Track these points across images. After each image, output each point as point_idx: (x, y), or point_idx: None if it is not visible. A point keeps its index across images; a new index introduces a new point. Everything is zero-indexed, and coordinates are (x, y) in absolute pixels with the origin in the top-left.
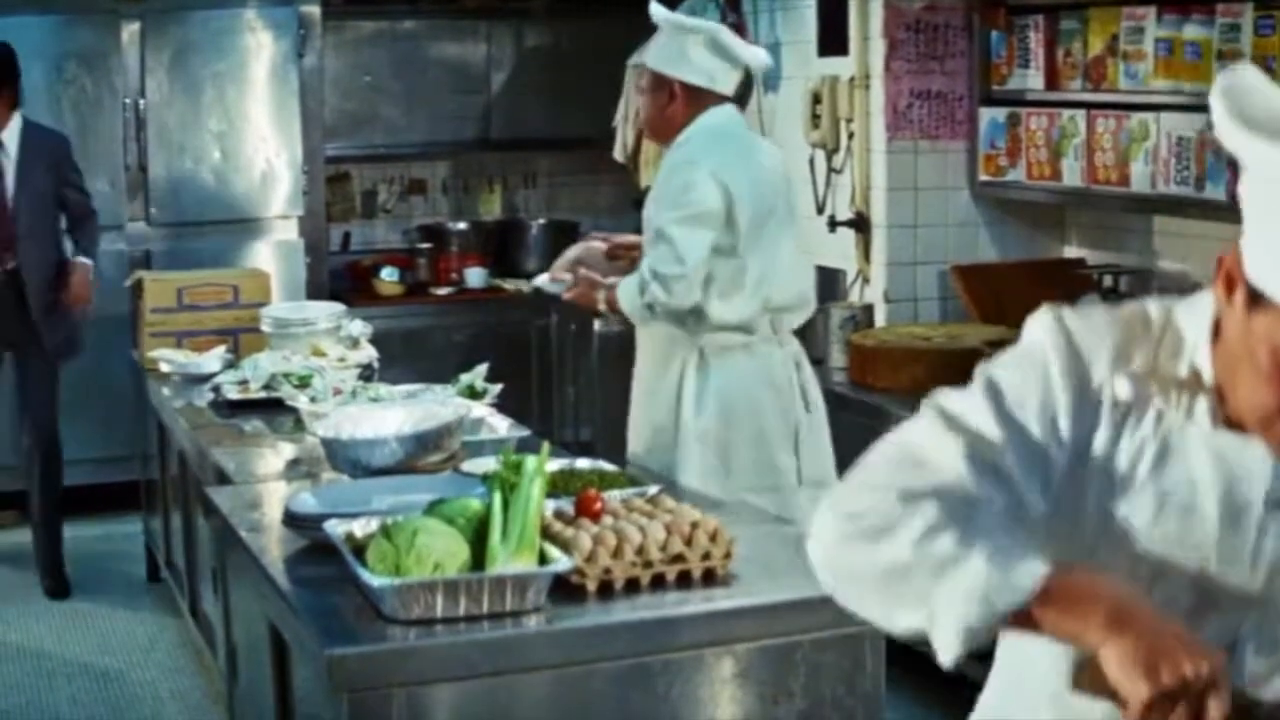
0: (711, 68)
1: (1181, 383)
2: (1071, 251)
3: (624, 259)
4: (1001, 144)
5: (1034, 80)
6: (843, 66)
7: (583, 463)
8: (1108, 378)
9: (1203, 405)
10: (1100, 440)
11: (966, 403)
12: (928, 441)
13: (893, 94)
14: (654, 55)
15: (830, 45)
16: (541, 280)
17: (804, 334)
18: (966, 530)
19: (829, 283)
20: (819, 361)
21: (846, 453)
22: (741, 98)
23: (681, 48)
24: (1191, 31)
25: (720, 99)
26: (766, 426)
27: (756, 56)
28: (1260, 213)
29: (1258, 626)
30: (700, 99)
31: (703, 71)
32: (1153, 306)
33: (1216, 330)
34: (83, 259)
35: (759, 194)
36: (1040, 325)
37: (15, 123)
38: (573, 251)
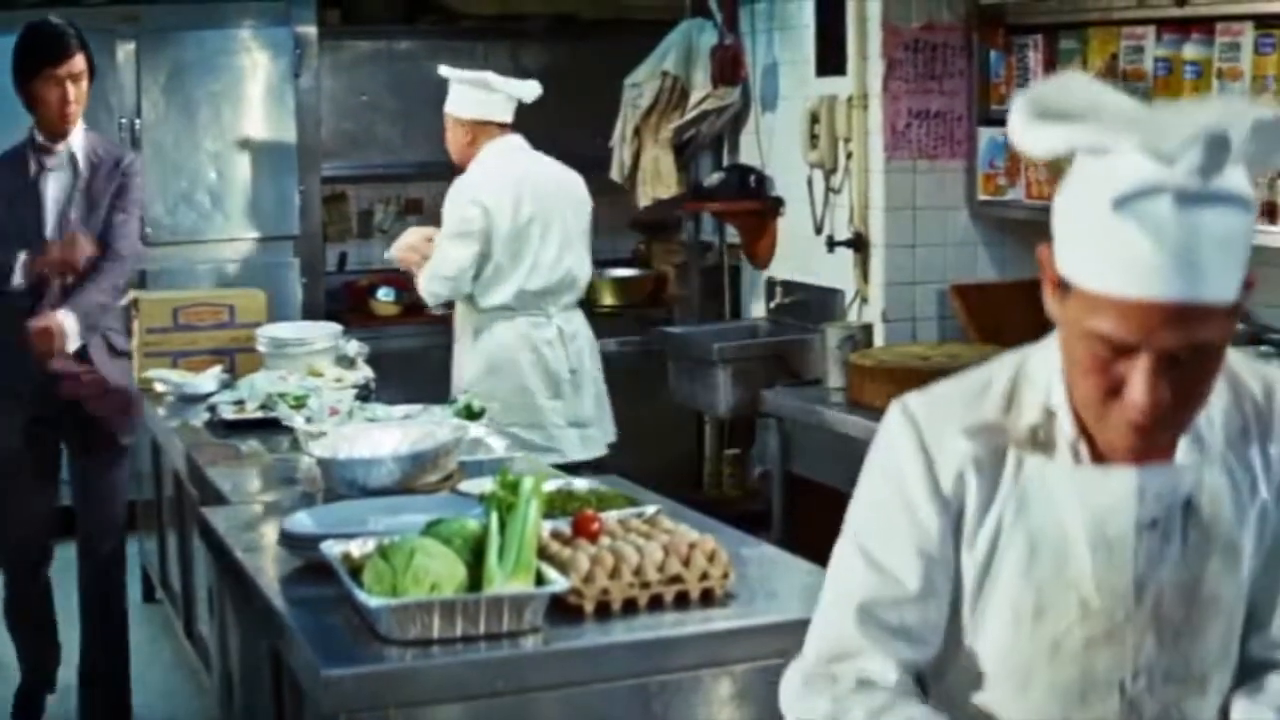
0: (488, 103)
1: (1035, 426)
2: None
3: None
4: (1000, 163)
5: None
6: (841, 86)
7: (580, 483)
8: (959, 451)
9: (1063, 443)
10: (970, 509)
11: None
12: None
13: (891, 114)
14: (447, 103)
15: (828, 65)
16: (389, 254)
17: (801, 354)
18: None
19: (827, 302)
20: (816, 381)
21: (847, 472)
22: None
23: (461, 93)
24: (1191, 51)
25: (502, 128)
26: (526, 380)
27: (525, 89)
28: (1059, 202)
29: (1152, 659)
30: (485, 130)
31: (481, 107)
32: (997, 365)
33: None
34: (64, 311)
35: (518, 209)
36: (891, 423)
37: (80, 131)
38: (411, 235)
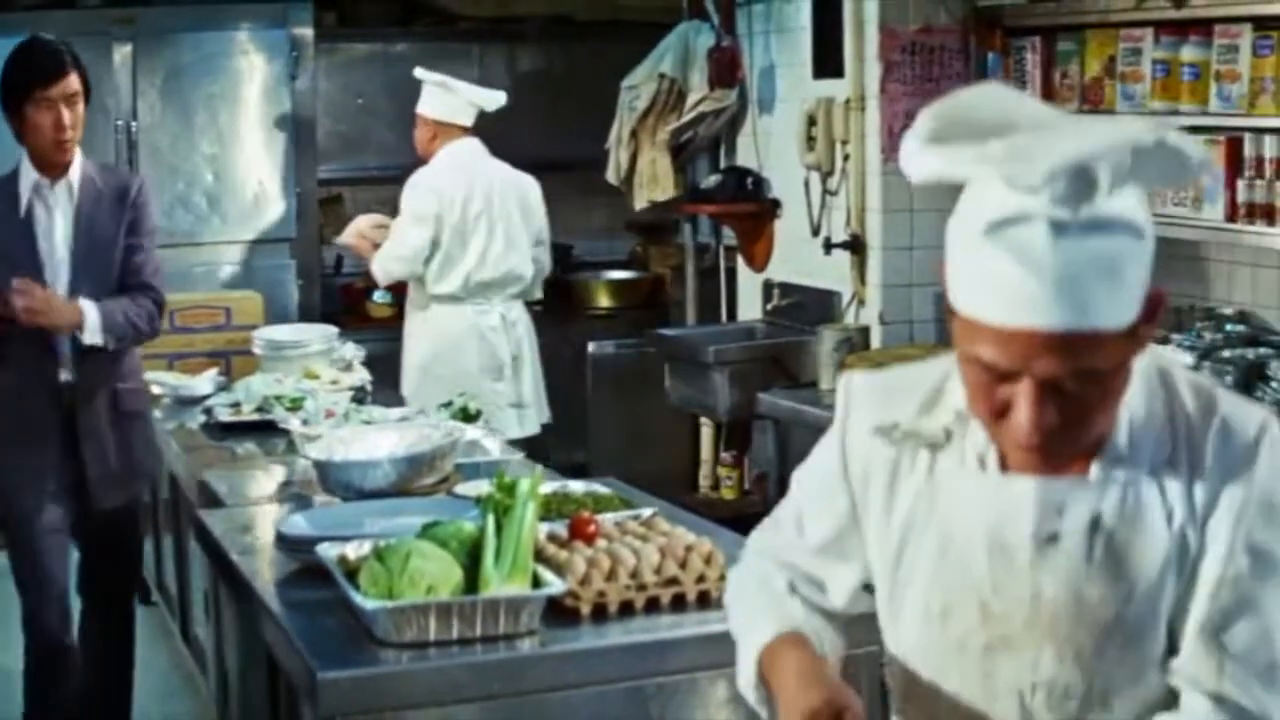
0: (451, 106)
1: (949, 428)
2: None
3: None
4: None
5: None
6: (838, 89)
7: (576, 485)
8: (865, 446)
9: (972, 449)
10: (874, 503)
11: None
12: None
13: (888, 116)
14: (419, 103)
15: (825, 68)
16: (339, 240)
17: (798, 357)
18: (752, 602)
19: (824, 305)
20: (813, 384)
21: None
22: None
23: (429, 94)
24: (1189, 53)
25: (463, 130)
26: (469, 363)
27: (487, 98)
28: (949, 225)
29: (1051, 673)
30: (447, 130)
31: (445, 109)
32: (937, 361)
33: None
34: (88, 303)
35: (468, 204)
36: (838, 393)
37: (78, 160)
38: (360, 222)
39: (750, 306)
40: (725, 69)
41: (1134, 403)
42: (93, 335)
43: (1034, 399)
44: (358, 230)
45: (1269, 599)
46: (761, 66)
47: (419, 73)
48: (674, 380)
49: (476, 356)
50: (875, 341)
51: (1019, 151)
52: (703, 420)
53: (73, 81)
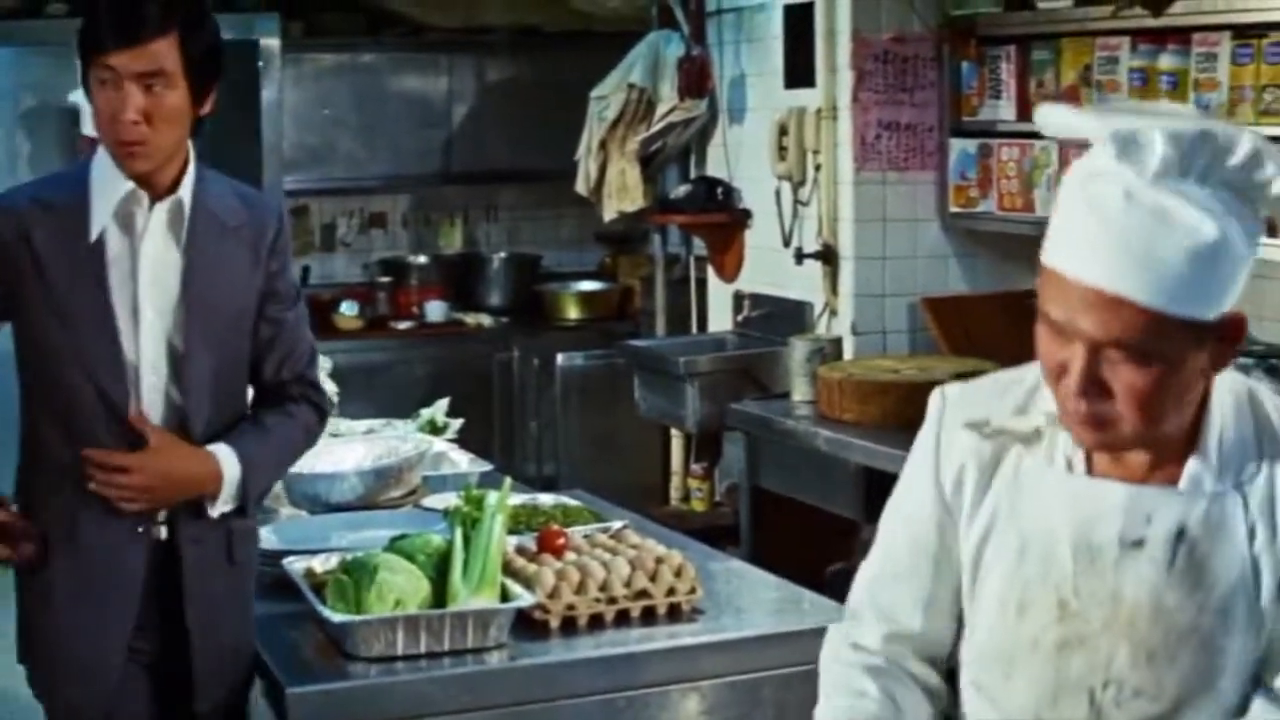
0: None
1: (1040, 429)
2: None
3: None
4: (972, 175)
5: (1005, 111)
6: (809, 98)
7: (545, 498)
8: (961, 443)
9: (1061, 450)
10: (966, 499)
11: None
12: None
13: (860, 125)
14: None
15: (797, 77)
16: None
17: (769, 368)
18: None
19: (795, 315)
20: (785, 395)
21: (816, 486)
22: None
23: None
24: (1167, 61)
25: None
26: None
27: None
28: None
29: (1123, 673)
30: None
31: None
32: (1033, 365)
33: None
34: (228, 450)
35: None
36: (928, 407)
37: (191, 174)
38: None
39: (721, 317)
40: (695, 79)
41: (1224, 418)
42: (227, 503)
43: (1082, 361)
44: None
45: None
46: (732, 76)
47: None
48: (644, 392)
49: None
50: (848, 352)
51: (1133, 122)
52: (673, 432)
53: (157, 50)
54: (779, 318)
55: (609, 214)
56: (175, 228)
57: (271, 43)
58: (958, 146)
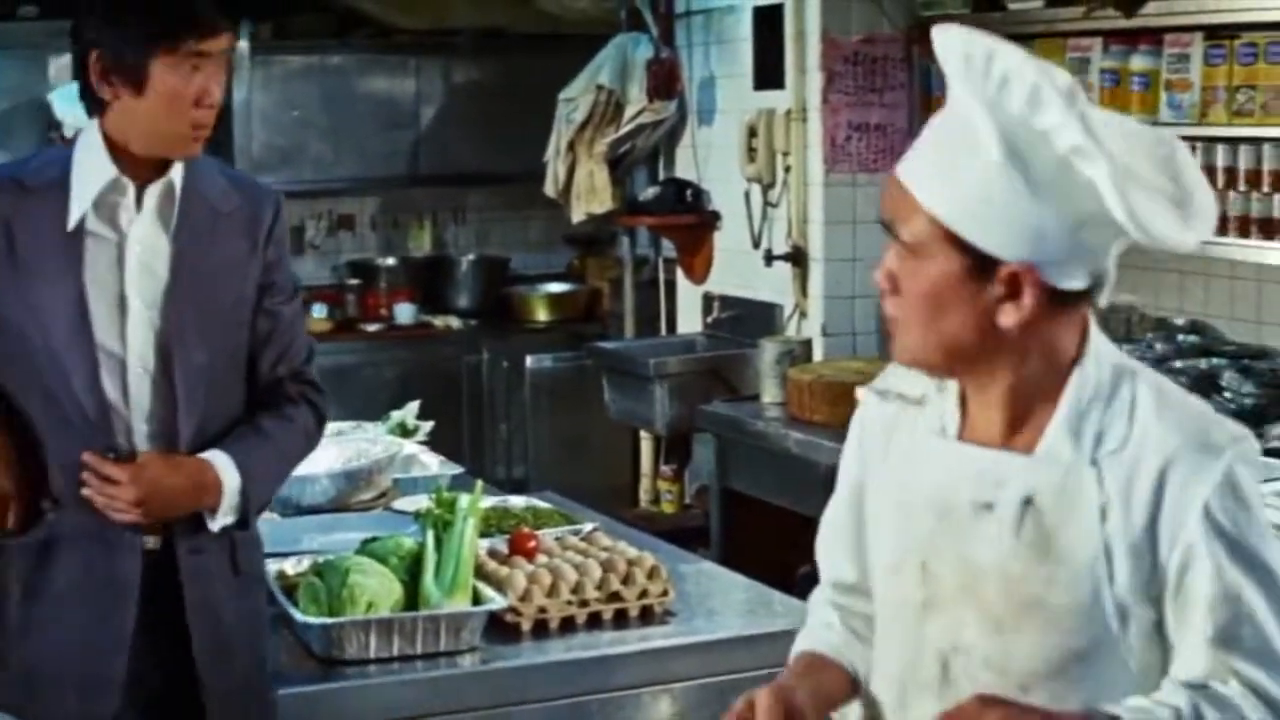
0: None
1: (927, 395)
2: None
3: None
4: None
5: None
6: (779, 99)
7: (516, 500)
8: (870, 407)
9: (939, 416)
10: (870, 463)
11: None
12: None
13: (830, 127)
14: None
15: (766, 78)
16: None
17: (739, 369)
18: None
19: (765, 317)
20: (754, 397)
21: (786, 487)
22: None
23: None
24: (1139, 63)
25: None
26: None
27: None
28: None
29: (972, 641)
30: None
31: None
32: None
33: None
34: (224, 456)
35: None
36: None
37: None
38: None
39: (690, 319)
40: (664, 80)
41: (1092, 392)
42: (228, 515)
43: (889, 249)
44: None
45: (1263, 605)
46: (701, 78)
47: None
48: (613, 393)
49: None
50: (818, 354)
51: (990, 46)
52: (642, 434)
53: (228, 37)
54: (748, 319)
55: (577, 216)
56: (165, 213)
57: (240, 44)
58: None
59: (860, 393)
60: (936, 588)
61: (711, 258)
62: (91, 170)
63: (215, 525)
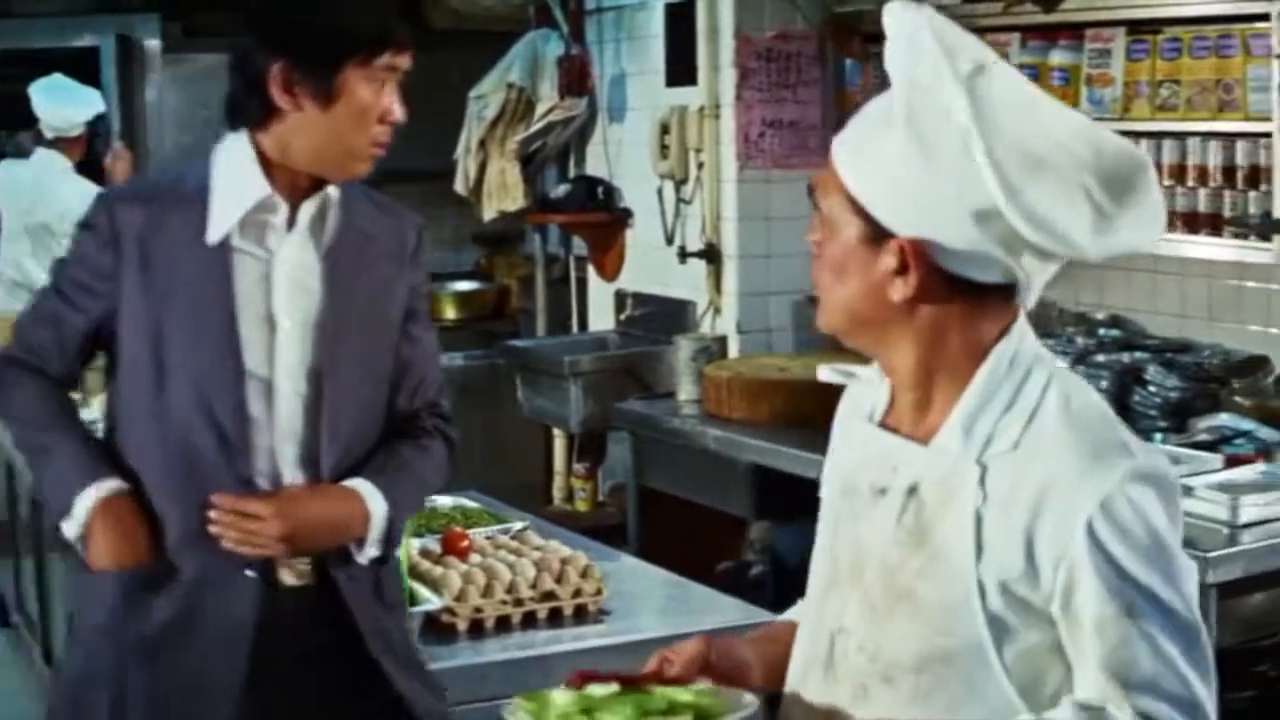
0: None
1: (870, 379)
2: None
3: None
4: None
5: None
6: (691, 96)
7: (443, 500)
8: (844, 395)
9: (871, 402)
10: (834, 437)
11: None
12: None
13: (744, 123)
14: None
15: (679, 75)
16: None
17: (653, 367)
18: None
19: (678, 314)
20: (669, 394)
21: (704, 485)
22: None
23: None
24: (1059, 57)
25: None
26: None
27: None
28: None
29: (851, 623)
30: None
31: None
32: None
33: None
34: (370, 487)
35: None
36: None
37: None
38: None
39: (602, 317)
40: (575, 78)
41: (994, 390)
42: (374, 547)
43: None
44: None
45: (1152, 630)
46: (612, 75)
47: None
48: (527, 392)
49: None
50: (733, 351)
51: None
52: (555, 432)
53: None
54: (661, 317)
55: (489, 214)
56: (316, 232)
57: (153, 44)
58: None
59: (822, 371)
60: (835, 568)
61: (623, 255)
62: (239, 185)
63: (364, 557)
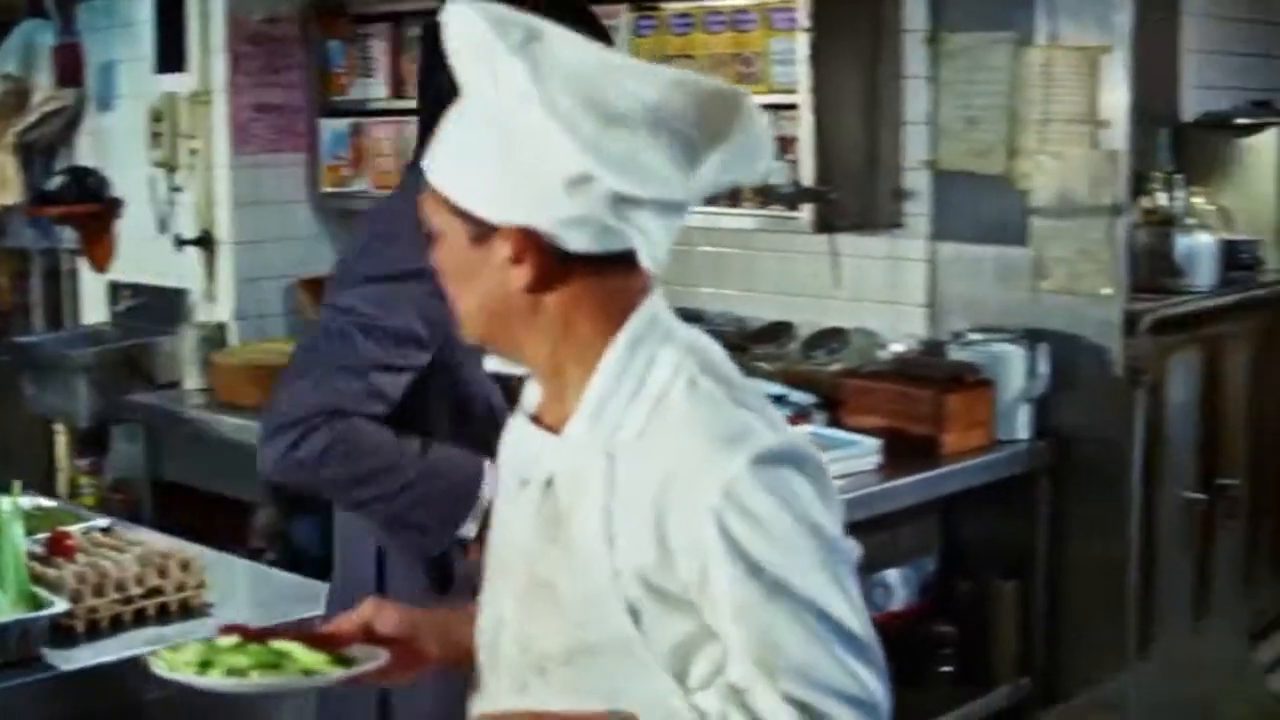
0: None
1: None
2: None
3: None
4: (344, 154)
5: (377, 89)
6: (184, 83)
7: (21, 500)
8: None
9: (529, 396)
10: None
11: None
12: None
13: (235, 109)
14: None
15: (169, 62)
16: None
17: (154, 357)
18: None
19: (173, 303)
20: (174, 384)
21: (220, 474)
22: None
23: None
24: None
25: None
26: None
27: None
28: None
29: (508, 614)
30: None
31: None
32: None
33: None
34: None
35: None
36: None
37: None
38: None
39: (96, 309)
40: (68, 67)
41: (620, 380)
42: (472, 524)
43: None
44: None
45: (797, 614)
46: (101, 63)
47: None
48: (34, 389)
49: None
50: (233, 338)
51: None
52: (56, 427)
53: None
54: (157, 307)
55: None
56: None
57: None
58: (328, 126)
59: (489, 362)
60: (493, 559)
61: (114, 246)
62: None
63: None
